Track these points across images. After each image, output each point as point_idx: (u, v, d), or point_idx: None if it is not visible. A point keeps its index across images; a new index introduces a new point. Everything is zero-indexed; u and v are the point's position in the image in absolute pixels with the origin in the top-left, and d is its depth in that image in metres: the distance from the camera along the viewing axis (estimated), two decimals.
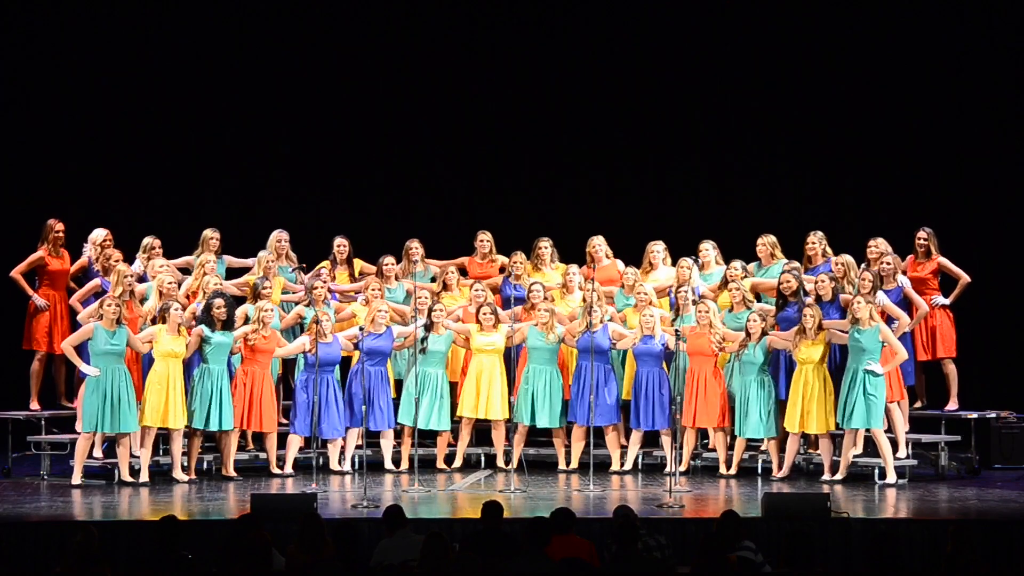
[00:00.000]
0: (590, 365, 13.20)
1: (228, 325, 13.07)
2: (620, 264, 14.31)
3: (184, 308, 13.05)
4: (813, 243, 13.86)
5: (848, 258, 13.44)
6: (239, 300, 13.56)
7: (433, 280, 14.37)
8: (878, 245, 13.69)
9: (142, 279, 13.58)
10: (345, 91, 16.43)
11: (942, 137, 16.05)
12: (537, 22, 16.53)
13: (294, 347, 13.41)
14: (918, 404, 14.00)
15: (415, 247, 14.34)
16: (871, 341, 12.72)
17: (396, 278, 14.14)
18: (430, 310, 13.62)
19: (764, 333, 13.15)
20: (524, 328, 13.64)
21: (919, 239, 13.84)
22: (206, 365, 13.04)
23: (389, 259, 14.19)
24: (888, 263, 13.41)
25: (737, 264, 13.76)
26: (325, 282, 13.79)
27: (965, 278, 13.79)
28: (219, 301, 13.03)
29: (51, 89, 16.07)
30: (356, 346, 13.41)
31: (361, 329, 13.26)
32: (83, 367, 12.74)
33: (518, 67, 16.46)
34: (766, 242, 13.99)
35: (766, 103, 16.32)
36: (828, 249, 13.86)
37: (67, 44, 16.05)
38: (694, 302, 13.52)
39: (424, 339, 13.57)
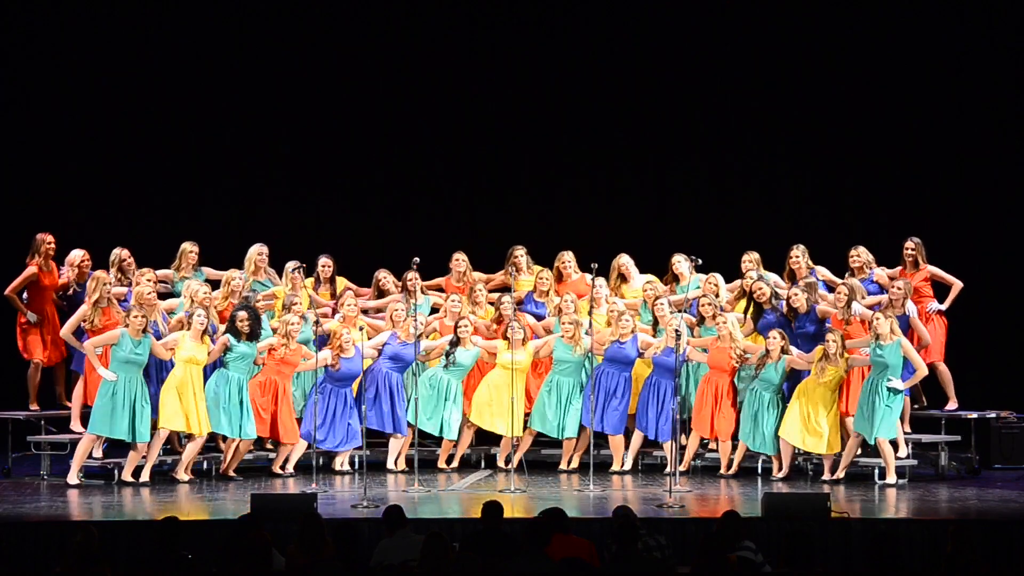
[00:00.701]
0: (612, 372, 13.36)
1: (252, 337, 13.10)
2: (588, 278, 14.24)
3: (219, 322, 13.18)
4: (796, 256, 13.88)
5: (855, 282, 13.43)
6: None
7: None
8: (860, 255, 13.77)
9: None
10: (343, 94, 16.38)
11: (940, 140, 16.03)
12: (536, 24, 16.50)
13: (317, 361, 13.41)
14: (918, 405, 14.01)
15: (383, 276, 14.32)
16: (894, 356, 12.71)
17: (422, 291, 14.11)
18: (456, 325, 13.65)
19: (783, 352, 13.15)
20: (551, 340, 13.68)
21: (907, 249, 13.86)
22: (226, 371, 13.06)
23: (413, 274, 14.00)
24: (899, 288, 13.38)
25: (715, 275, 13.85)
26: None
27: (957, 283, 13.81)
28: (243, 314, 13.07)
29: (44, 99, 16.01)
30: (381, 352, 13.55)
31: (395, 336, 13.46)
32: (101, 369, 12.74)
33: (518, 70, 16.42)
34: (752, 259, 14.01)
35: (765, 106, 16.30)
36: (810, 262, 13.89)
37: (62, 48, 16.00)
38: (670, 312, 13.54)
39: (450, 353, 13.61)
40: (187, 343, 12.89)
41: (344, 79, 16.36)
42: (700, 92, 16.34)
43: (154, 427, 12.89)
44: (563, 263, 14.31)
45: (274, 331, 13.39)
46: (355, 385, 13.61)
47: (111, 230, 14.19)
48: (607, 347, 13.49)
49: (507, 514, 9.73)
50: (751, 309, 13.62)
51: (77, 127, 16.05)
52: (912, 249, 13.88)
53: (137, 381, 12.75)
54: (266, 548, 8.73)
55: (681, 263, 14.14)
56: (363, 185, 16.54)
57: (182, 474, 13.02)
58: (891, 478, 12.76)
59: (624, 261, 14.28)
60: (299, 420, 13.54)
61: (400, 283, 14.14)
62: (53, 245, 13.83)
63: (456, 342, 13.67)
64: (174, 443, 13.44)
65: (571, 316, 13.64)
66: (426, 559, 8.62)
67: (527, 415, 13.80)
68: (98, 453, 13.23)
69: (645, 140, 16.49)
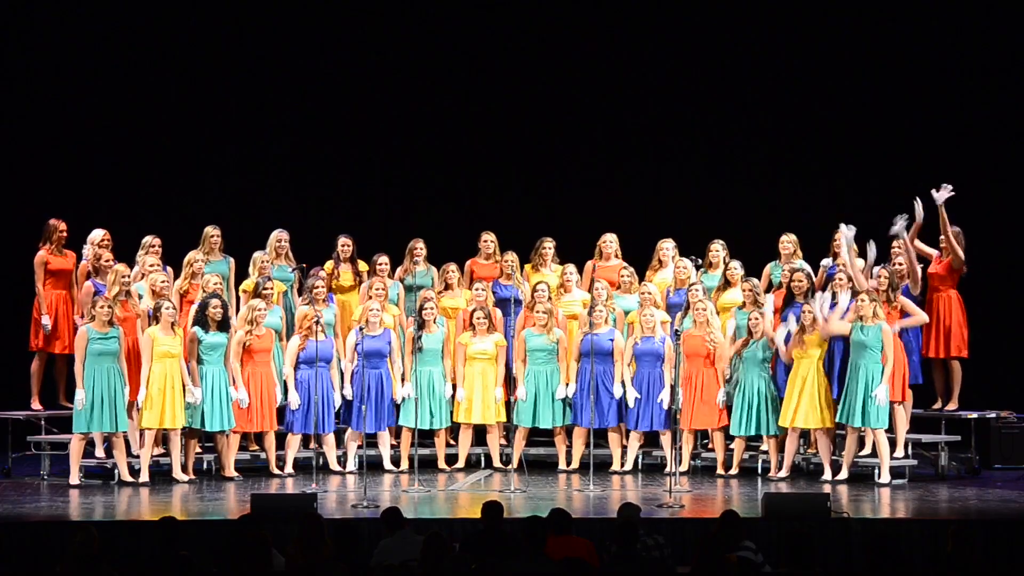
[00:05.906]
0: (591, 366, 13.21)
1: (223, 326, 13.07)
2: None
3: (178, 307, 13.08)
4: (839, 240, 13.61)
5: (895, 267, 13.40)
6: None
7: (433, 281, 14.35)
8: (900, 245, 13.63)
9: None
10: (345, 91, 16.40)
11: (948, 136, 16.03)
12: (538, 21, 16.51)
13: (293, 349, 13.40)
14: (937, 405, 13.92)
15: (420, 247, 14.31)
16: (874, 338, 12.72)
17: (389, 276, 14.11)
18: (421, 308, 13.60)
19: (763, 333, 13.17)
20: (523, 334, 13.64)
21: (942, 242, 13.70)
22: (203, 367, 13.02)
23: (383, 258, 14.11)
24: (900, 263, 13.34)
25: (736, 264, 13.79)
26: (324, 280, 13.76)
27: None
28: (215, 301, 13.03)
29: (51, 89, 16.03)
30: (356, 346, 13.41)
31: (361, 330, 13.29)
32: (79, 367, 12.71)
33: (519, 66, 16.43)
34: (788, 241, 13.88)
35: (766, 102, 16.31)
36: (855, 245, 13.74)
37: (67, 44, 16.03)
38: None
39: (418, 337, 13.54)
40: (159, 337, 12.85)
41: (344, 78, 16.37)
42: (701, 90, 16.34)
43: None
44: (605, 243, 14.24)
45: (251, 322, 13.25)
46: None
47: (111, 230, 14.13)
48: (580, 339, 13.48)
49: (507, 514, 9.73)
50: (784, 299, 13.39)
51: (78, 126, 16.06)
52: (943, 240, 13.67)
53: (114, 371, 12.67)
54: (266, 548, 8.73)
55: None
56: (364, 184, 16.54)
57: (179, 473, 12.99)
58: (884, 477, 12.73)
59: (666, 247, 14.19)
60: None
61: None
62: (65, 232, 13.80)
63: (421, 324, 13.60)
64: (158, 440, 13.29)
65: (545, 305, 13.61)
66: (426, 559, 8.62)
67: (508, 404, 13.76)
68: (100, 453, 13.22)
69: (646, 139, 16.50)
